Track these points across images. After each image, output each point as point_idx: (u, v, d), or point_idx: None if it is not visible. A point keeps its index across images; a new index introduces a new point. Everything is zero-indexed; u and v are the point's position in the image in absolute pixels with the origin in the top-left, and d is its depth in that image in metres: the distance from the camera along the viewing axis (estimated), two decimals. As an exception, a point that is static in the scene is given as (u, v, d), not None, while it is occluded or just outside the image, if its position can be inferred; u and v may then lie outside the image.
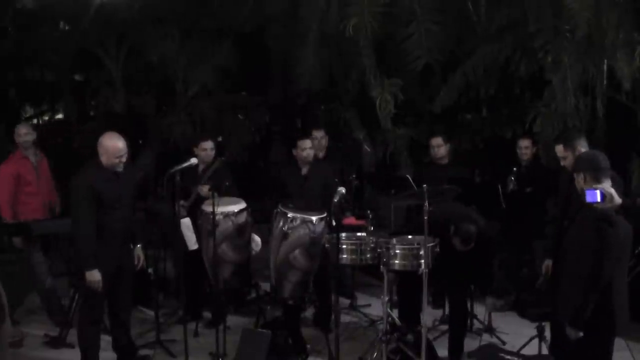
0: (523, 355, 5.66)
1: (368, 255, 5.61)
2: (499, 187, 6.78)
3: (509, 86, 8.76)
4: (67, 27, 10.80)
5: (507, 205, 6.76)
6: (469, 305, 6.24)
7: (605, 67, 7.07)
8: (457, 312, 5.79)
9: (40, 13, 10.06)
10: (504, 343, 6.20)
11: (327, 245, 5.68)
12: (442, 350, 5.70)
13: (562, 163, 5.14)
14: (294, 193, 6.43)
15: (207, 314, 6.78)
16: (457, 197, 5.72)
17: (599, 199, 4.12)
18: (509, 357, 5.63)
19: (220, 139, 9.91)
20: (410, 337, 5.58)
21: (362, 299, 7.35)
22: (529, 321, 6.42)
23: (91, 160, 5.37)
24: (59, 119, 12.86)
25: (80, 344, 5.51)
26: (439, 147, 7.09)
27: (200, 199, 6.40)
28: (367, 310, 7.06)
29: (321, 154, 7.30)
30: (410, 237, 5.68)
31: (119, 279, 5.43)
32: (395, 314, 5.99)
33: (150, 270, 6.51)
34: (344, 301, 7.02)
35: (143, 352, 5.94)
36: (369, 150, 9.70)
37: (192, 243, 6.02)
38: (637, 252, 6.35)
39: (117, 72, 10.45)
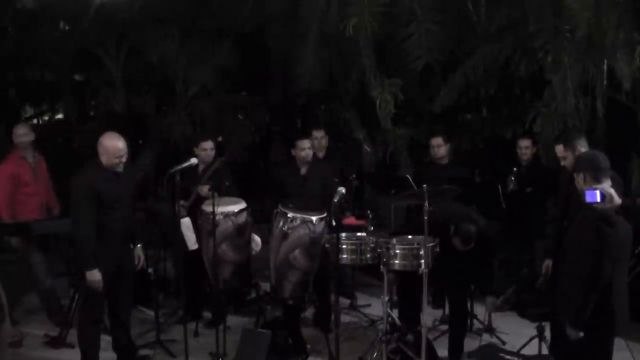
0: (523, 355, 5.66)
1: (368, 255, 5.61)
2: (499, 187, 6.78)
3: (509, 86, 8.77)
4: (67, 27, 10.80)
5: (507, 205, 6.76)
6: (469, 305, 6.24)
7: (605, 67, 7.07)
8: (457, 312, 5.79)
9: (40, 13, 10.06)
10: (504, 343, 6.20)
11: (327, 245, 5.68)
12: (442, 350, 5.70)
13: (562, 163, 5.14)
14: (293, 193, 6.43)
15: (207, 314, 6.78)
16: (457, 197, 5.72)
17: (598, 199, 4.12)
18: (509, 357, 5.63)
19: (220, 139, 9.91)
20: (410, 337, 5.58)
21: (362, 299, 7.35)
22: (529, 321, 6.43)
23: (91, 160, 5.37)
24: (59, 119, 12.86)
25: (80, 344, 5.51)
26: (439, 147, 7.09)
27: (200, 199, 6.40)
28: (367, 310, 7.06)
29: (321, 154, 7.31)
30: (410, 237, 5.68)
31: (119, 279, 5.43)
32: (395, 314, 5.99)
33: (150, 270, 6.50)
34: (344, 301, 7.02)
35: (143, 352, 5.94)
36: (369, 150, 9.70)
37: (192, 243, 6.02)
38: (637, 252, 6.35)
39: (117, 72, 10.45)
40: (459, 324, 5.76)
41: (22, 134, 6.66)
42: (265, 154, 11.38)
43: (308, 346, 5.90)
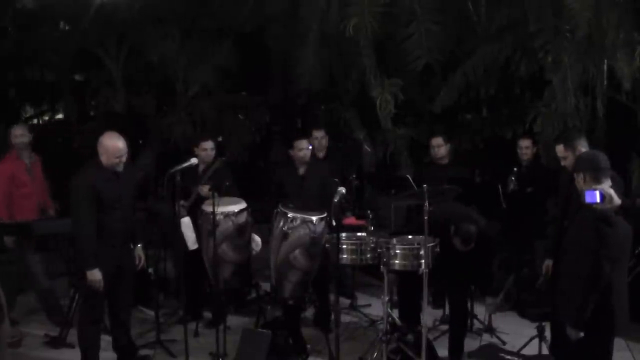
0: (523, 355, 5.67)
1: (368, 255, 5.62)
2: (499, 187, 6.78)
3: (509, 86, 8.77)
4: (67, 27, 10.80)
5: (507, 205, 6.77)
6: (469, 305, 6.24)
7: (605, 67, 7.07)
8: (457, 312, 5.79)
9: (40, 13, 10.06)
10: (504, 343, 6.20)
11: (327, 245, 5.69)
12: (442, 350, 5.70)
13: (563, 163, 5.14)
14: (292, 193, 6.43)
15: (208, 314, 6.78)
16: (457, 197, 5.72)
17: (598, 200, 4.12)
18: (509, 357, 5.64)
19: (220, 139, 9.91)
20: (410, 337, 5.58)
21: (362, 299, 7.35)
22: (529, 321, 6.44)
23: (91, 160, 5.37)
24: (59, 119, 12.86)
25: (81, 344, 5.51)
26: (439, 147, 7.08)
27: (201, 199, 6.40)
28: (367, 310, 7.06)
29: (321, 154, 7.31)
30: (410, 237, 5.68)
31: (120, 278, 5.43)
32: (395, 314, 5.99)
33: (150, 270, 6.51)
34: (344, 301, 7.02)
35: (143, 352, 5.94)
36: (369, 150, 9.70)
37: (191, 242, 6.02)
38: (637, 252, 6.36)
39: (117, 72, 10.45)
40: (459, 324, 5.76)
41: (19, 134, 6.66)
42: (265, 154, 11.38)
43: (308, 346, 5.90)
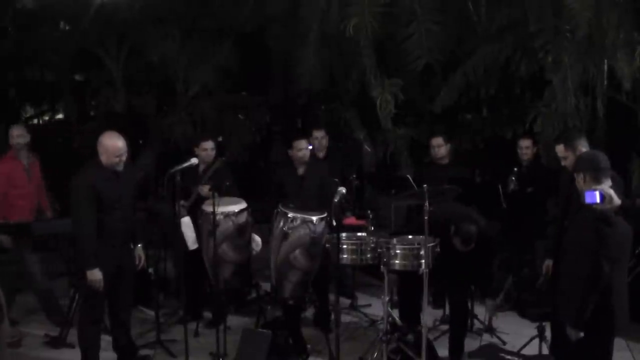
0: (523, 356, 5.67)
1: (368, 255, 5.62)
2: (500, 187, 6.78)
3: (509, 86, 8.76)
4: (67, 27, 10.81)
5: (507, 205, 6.77)
6: (469, 305, 6.23)
7: (605, 67, 7.07)
8: (457, 312, 5.79)
9: (40, 13, 10.06)
10: (504, 343, 6.20)
11: (327, 245, 5.69)
12: (443, 350, 5.70)
13: (563, 163, 5.14)
14: (292, 193, 6.44)
15: (208, 314, 6.78)
16: (457, 197, 5.72)
17: (598, 200, 4.11)
18: (509, 357, 5.64)
19: (220, 139, 9.92)
20: (410, 337, 5.58)
21: (362, 299, 7.35)
22: (530, 321, 6.43)
23: (91, 160, 5.37)
24: (59, 119, 12.87)
25: (81, 344, 5.51)
26: (440, 147, 7.08)
27: (201, 199, 6.41)
28: (367, 310, 7.06)
29: (321, 154, 7.32)
30: (410, 237, 5.68)
31: (120, 278, 5.43)
32: (395, 314, 5.99)
33: (150, 270, 6.50)
34: (345, 301, 7.02)
35: (143, 352, 5.93)
36: (369, 150, 9.70)
37: (191, 242, 6.02)
38: (637, 252, 6.35)
39: (117, 72, 10.46)
40: (459, 324, 5.76)
41: (18, 135, 6.65)
42: (265, 154, 11.39)
43: (308, 346, 5.90)
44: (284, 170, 6.82)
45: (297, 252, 5.62)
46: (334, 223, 5.47)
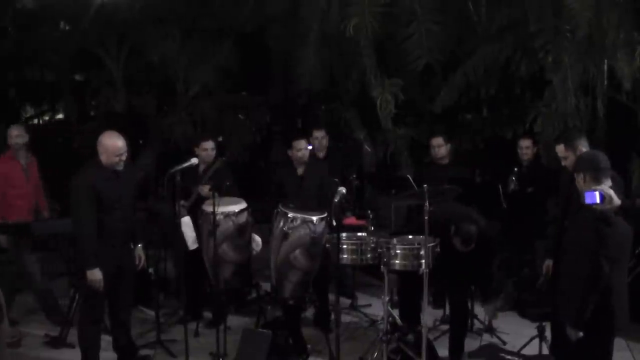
0: (523, 355, 5.66)
1: (368, 255, 5.62)
2: (500, 187, 6.78)
3: (509, 86, 8.76)
4: (67, 27, 10.81)
5: (507, 205, 6.77)
6: (469, 305, 6.23)
7: (605, 67, 7.07)
8: (457, 312, 5.79)
9: (40, 13, 10.07)
10: (504, 343, 6.20)
11: (327, 245, 5.69)
12: (443, 350, 5.70)
13: (563, 163, 5.14)
14: (291, 193, 6.44)
15: (208, 314, 6.78)
16: (457, 197, 5.72)
17: (598, 201, 4.11)
18: (509, 357, 5.64)
19: (221, 139, 9.93)
20: (410, 337, 5.58)
21: (362, 299, 7.35)
22: (530, 321, 6.43)
23: (91, 160, 5.37)
24: (59, 119, 12.87)
25: (81, 344, 5.51)
26: (440, 147, 7.08)
27: (201, 199, 6.41)
28: (367, 310, 7.06)
29: (322, 154, 7.32)
30: (410, 237, 5.68)
31: (120, 278, 5.43)
32: (395, 313, 5.99)
33: (150, 270, 6.50)
34: (345, 301, 7.03)
35: (143, 352, 5.93)
36: (369, 150, 9.70)
37: (191, 242, 6.02)
38: (637, 252, 6.35)
39: (117, 72, 10.46)
40: (459, 324, 5.76)
41: (16, 135, 6.65)
42: (266, 154, 11.39)
43: (309, 346, 5.90)
44: (283, 170, 6.82)
45: (297, 252, 5.62)
46: (334, 223, 5.47)
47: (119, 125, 7.15)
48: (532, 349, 5.67)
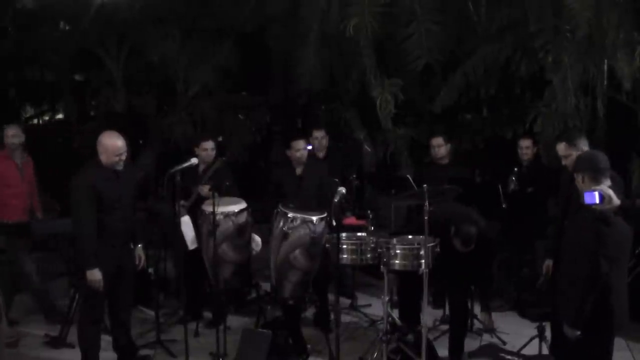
0: (523, 355, 5.66)
1: (368, 255, 5.62)
2: (500, 187, 6.78)
3: (509, 86, 8.75)
4: (67, 27, 10.81)
5: (507, 205, 6.76)
6: (469, 305, 6.23)
7: (605, 67, 7.06)
8: (457, 312, 5.79)
9: (40, 13, 10.07)
10: (504, 343, 6.20)
11: (327, 245, 5.69)
12: (443, 350, 5.70)
13: (564, 162, 5.14)
14: (290, 193, 6.44)
15: (208, 314, 6.78)
16: (457, 197, 5.72)
17: (597, 201, 4.11)
18: (509, 357, 5.64)
19: (220, 139, 9.93)
20: (410, 337, 5.58)
21: (362, 299, 7.35)
22: (530, 321, 6.44)
23: (91, 160, 5.38)
24: (59, 119, 12.87)
25: (81, 344, 5.51)
26: (440, 147, 7.08)
27: (201, 199, 6.41)
28: (367, 310, 7.06)
29: (322, 154, 7.32)
30: (410, 237, 5.69)
31: (120, 278, 5.43)
32: (395, 314, 5.99)
33: (150, 270, 6.51)
34: (345, 301, 7.03)
35: (143, 352, 5.93)
36: (369, 150, 9.70)
37: (190, 242, 6.02)
38: (637, 252, 6.35)
39: (117, 72, 10.46)
40: (459, 324, 5.76)
41: (12, 135, 6.65)
42: (266, 154, 11.40)
43: (308, 346, 5.90)
44: (282, 170, 6.83)
45: (297, 252, 5.61)
46: (334, 223, 5.47)
47: (119, 125, 7.15)
48: (532, 349, 5.66)
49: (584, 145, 5.03)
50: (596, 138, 6.93)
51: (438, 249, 5.43)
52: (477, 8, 8.27)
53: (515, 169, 6.97)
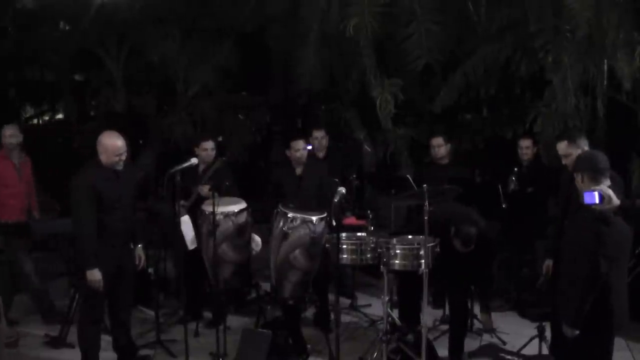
0: (523, 355, 5.67)
1: (368, 255, 5.62)
2: (500, 187, 6.78)
3: (509, 86, 8.76)
4: (67, 27, 10.81)
5: (507, 205, 6.76)
6: (469, 305, 6.23)
7: (605, 67, 7.06)
8: (457, 312, 5.79)
9: (40, 13, 10.07)
10: (504, 343, 6.20)
11: (327, 245, 5.69)
12: (443, 350, 5.70)
13: (564, 161, 5.14)
14: (290, 193, 6.44)
15: (208, 314, 6.78)
16: (457, 197, 5.72)
17: (597, 201, 4.11)
18: (509, 357, 5.65)
19: (220, 139, 9.93)
20: (410, 337, 5.59)
21: (362, 299, 7.35)
22: (530, 321, 6.43)
23: (91, 160, 5.38)
24: (59, 119, 12.88)
25: (81, 344, 5.51)
26: (440, 147, 7.09)
27: (201, 199, 6.41)
28: (367, 310, 7.06)
29: (321, 154, 7.32)
30: (410, 237, 5.69)
31: (120, 278, 5.43)
32: (395, 314, 5.99)
33: (150, 270, 6.51)
34: (345, 301, 7.02)
35: (143, 352, 5.93)
36: (369, 150, 9.70)
37: (190, 242, 6.02)
38: (637, 252, 6.35)
39: (117, 72, 10.46)
40: (459, 324, 5.76)
41: (9, 135, 6.66)
42: (266, 154, 11.40)
43: (308, 346, 5.90)
44: (282, 170, 6.83)
45: (297, 252, 5.61)
46: (334, 223, 5.47)
47: (119, 125, 7.16)
48: (532, 349, 5.67)
49: (584, 145, 5.03)
50: (596, 138, 6.93)
51: (438, 249, 5.43)
52: (477, 8, 8.27)
53: (515, 169, 6.97)
